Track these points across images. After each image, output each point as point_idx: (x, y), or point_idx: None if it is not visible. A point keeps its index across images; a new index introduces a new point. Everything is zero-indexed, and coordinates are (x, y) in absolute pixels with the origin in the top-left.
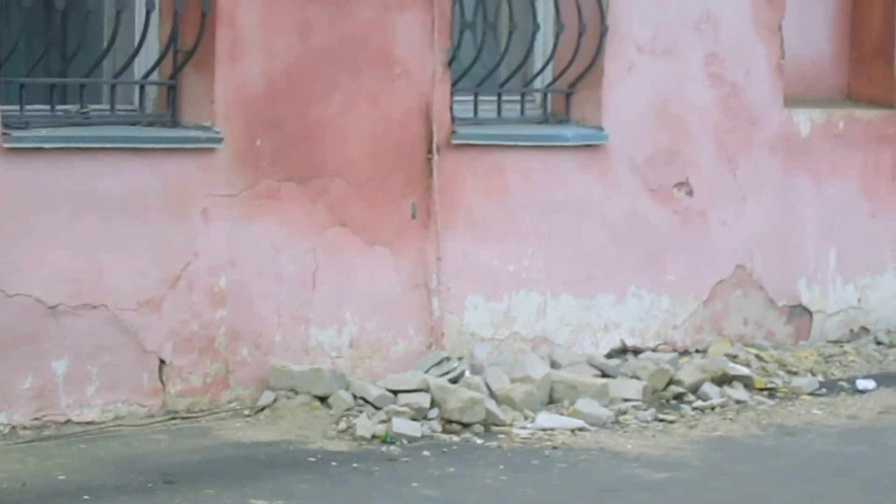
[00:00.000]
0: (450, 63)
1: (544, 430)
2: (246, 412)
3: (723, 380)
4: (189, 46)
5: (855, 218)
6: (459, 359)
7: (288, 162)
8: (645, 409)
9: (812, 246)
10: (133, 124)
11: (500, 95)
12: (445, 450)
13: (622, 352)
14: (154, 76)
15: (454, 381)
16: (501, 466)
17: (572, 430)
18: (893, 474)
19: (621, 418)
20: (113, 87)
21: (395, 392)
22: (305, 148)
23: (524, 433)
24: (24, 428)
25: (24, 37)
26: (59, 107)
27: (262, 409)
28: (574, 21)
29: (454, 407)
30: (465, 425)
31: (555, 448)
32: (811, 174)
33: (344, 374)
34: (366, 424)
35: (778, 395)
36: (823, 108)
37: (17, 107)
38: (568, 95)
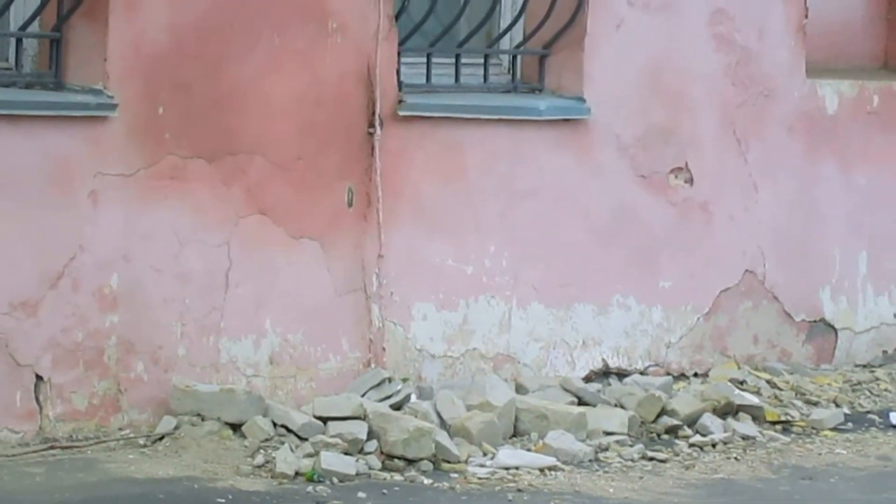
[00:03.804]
0: (397, 16)
1: (507, 468)
2: (141, 441)
3: (727, 410)
4: None
5: (891, 214)
6: (404, 380)
7: (197, 135)
8: (631, 445)
9: (838, 248)
10: (7, 86)
11: (458, 57)
12: (385, 491)
13: (604, 374)
14: (34, 27)
15: (397, 407)
16: None
17: (541, 470)
18: None
19: (601, 456)
20: None
21: (325, 420)
22: (218, 118)
23: (482, 472)
24: None
25: None
26: None
27: (161, 437)
28: None
29: (397, 439)
30: (410, 461)
31: (520, 491)
32: (838, 160)
33: (262, 396)
34: (288, 459)
35: (794, 430)
36: (854, 80)
37: None
38: (542, 59)
